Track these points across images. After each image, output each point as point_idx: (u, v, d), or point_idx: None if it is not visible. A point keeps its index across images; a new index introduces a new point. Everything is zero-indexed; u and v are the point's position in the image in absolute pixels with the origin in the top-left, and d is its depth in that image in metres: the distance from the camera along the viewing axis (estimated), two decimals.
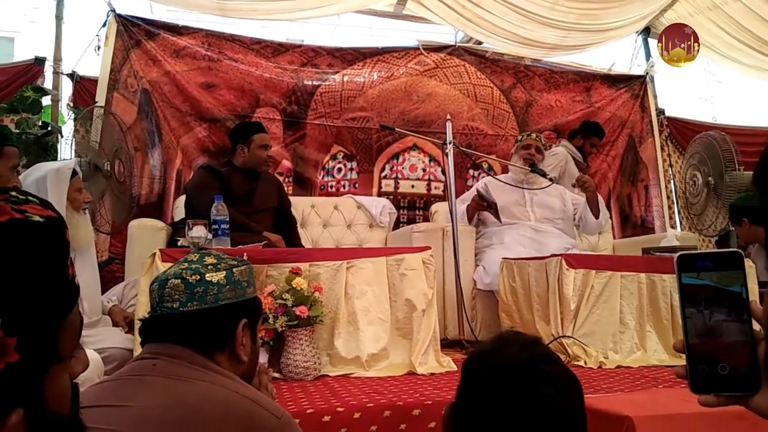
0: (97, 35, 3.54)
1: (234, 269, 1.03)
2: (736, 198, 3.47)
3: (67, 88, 3.58)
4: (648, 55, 4.59)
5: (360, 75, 4.04)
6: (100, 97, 3.39)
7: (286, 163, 3.92)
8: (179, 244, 2.35)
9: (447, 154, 2.97)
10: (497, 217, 3.16)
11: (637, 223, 4.44)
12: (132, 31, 3.64)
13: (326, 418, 1.53)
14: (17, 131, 3.00)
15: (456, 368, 2.21)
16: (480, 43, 4.35)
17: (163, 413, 0.85)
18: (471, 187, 3.78)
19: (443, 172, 4.02)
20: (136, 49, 3.64)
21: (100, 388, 0.93)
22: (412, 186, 4.08)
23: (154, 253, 2.08)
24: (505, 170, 3.77)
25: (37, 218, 0.42)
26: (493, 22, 4.02)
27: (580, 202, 3.36)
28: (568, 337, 2.35)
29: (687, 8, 4.26)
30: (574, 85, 4.42)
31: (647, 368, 2.30)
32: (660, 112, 4.57)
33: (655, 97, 4.57)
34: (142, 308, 1.98)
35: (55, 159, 3.16)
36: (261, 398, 0.94)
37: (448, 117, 3.10)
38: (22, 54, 5.77)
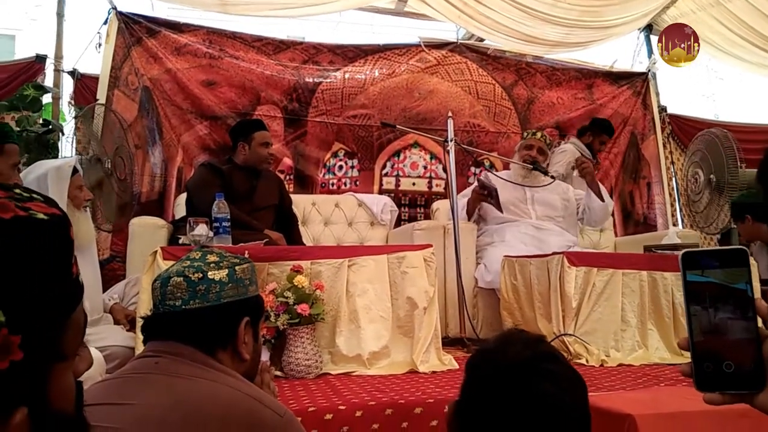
0: (98, 33, 3.54)
1: (236, 267, 1.03)
2: (739, 195, 3.46)
3: (68, 85, 3.58)
4: (650, 53, 4.57)
5: (361, 72, 4.03)
6: (101, 95, 3.39)
7: (287, 161, 3.91)
8: (180, 242, 2.35)
9: (448, 152, 2.96)
10: (498, 206, 3.12)
11: (639, 221, 4.43)
12: (133, 29, 3.63)
13: (328, 417, 1.53)
14: (18, 129, 3.00)
15: (457, 366, 2.21)
16: (482, 40, 4.34)
17: (165, 411, 0.85)
18: (472, 184, 3.78)
19: (444, 170, 4.02)
20: (137, 46, 3.64)
21: (102, 386, 0.93)
22: (414, 183, 4.08)
23: (156, 251, 2.08)
24: (506, 167, 3.76)
25: (41, 216, 0.42)
26: (494, 19, 4.01)
27: (583, 195, 3.34)
28: (570, 335, 2.35)
29: (689, 5, 4.25)
30: (576, 82, 4.41)
31: (649, 366, 2.29)
32: (662, 109, 4.56)
33: (657, 94, 4.56)
34: (143, 306, 1.98)
35: (56, 157, 3.16)
36: (263, 396, 0.94)
37: (450, 114, 3.10)
38: (23, 52, 5.76)
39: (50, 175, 2.03)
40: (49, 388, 0.42)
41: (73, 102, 3.48)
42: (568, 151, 3.81)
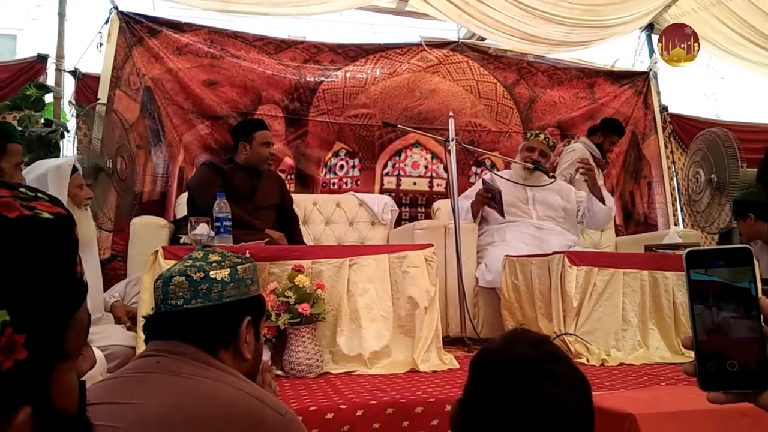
0: (100, 32, 3.54)
1: (238, 267, 1.03)
2: (742, 193, 3.46)
3: (69, 85, 3.58)
4: (651, 52, 4.57)
5: (362, 71, 4.03)
6: (103, 95, 3.39)
7: (288, 161, 3.91)
8: (182, 241, 2.35)
9: (449, 151, 2.96)
10: (501, 211, 3.12)
11: (640, 220, 4.43)
12: (134, 28, 3.64)
13: (329, 416, 1.53)
14: (20, 128, 3.01)
15: (458, 366, 2.21)
16: (483, 39, 4.34)
17: (167, 411, 0.85)
18: (473, 184, 3.78)
19: (446, 169, 4.02)
20: (138, 46, 3.64)
21: (104, 386, 0.93)
22: (414, 183, 4.08)
23: (157, 251, 2.08)
24: (507, 167, 3.76)
25: (46, 215, 0.42)
26: (496, 18, 4.01)
27: (584, 197, 3.34)
28: (571, 334, 2.35)
29: (690, 4, 4.25)
30: (578, 81, 4.41)
31: (650, 366, 2.29)
32: (663, 108, 4.56)
33: (658, 93, 4.55)
34: (145, 306, 1.98)
35: (57, 157, 3.16)
36: (265, 396, 0.95)
37: (451, 114, 3.10)
38: (24, 51, 5.77)
39: (50, 174, 2.03)
40: (52, 387, 0.42)
41: (74, 102, 3.48)
42: (577, 150, 3.80)
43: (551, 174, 3.36)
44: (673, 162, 4.54)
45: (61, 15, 3.58)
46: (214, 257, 1.04)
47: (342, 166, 4.01)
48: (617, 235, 4.10)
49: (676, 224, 4.30)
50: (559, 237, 3.15)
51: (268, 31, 4.06)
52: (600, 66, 4.51)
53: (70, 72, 3.55)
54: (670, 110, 4.61)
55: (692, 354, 0.56)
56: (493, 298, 2.93)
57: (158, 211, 3.52)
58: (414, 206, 4.05)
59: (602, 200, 3.24)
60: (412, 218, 3.93)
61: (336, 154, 4.01)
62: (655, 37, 4.47)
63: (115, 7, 3.59)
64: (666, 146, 4.52)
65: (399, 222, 3.83)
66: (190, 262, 1.02)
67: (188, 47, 3.75)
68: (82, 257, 0.45)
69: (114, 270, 3.22)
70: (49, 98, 3.43)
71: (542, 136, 3.41)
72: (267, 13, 3.95)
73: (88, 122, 3.13)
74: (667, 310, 2.52)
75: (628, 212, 4.47)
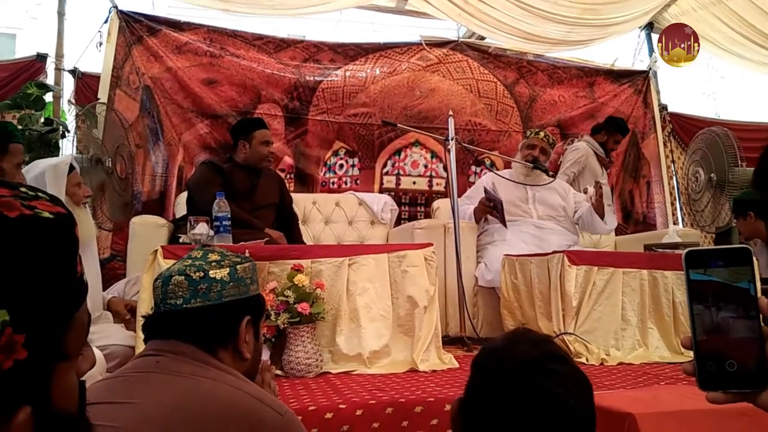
0: (99, 31, 3.54)
1: (237, 266, 1.03)
2: (741, 192, 3.46)
3: (68, 84, 3.58)
4: (651, 51, 4.57)
5: (362, 70, 4.03)
6: (102, 94, 3.39)
7: (288, 160, 3.91)
8: (181, 241, 2.35)
9: (449, 150, 2.96)
10: (503, 221, 3.10)
11: (639, 220, 4.43)
12: (134, 28, 3.63)
13: (328, 415, 1.53)
14: (20, 128, 3.00)
15: (458, 365, 2.21)
16: (483, 38, 4.34)
17: (166, 410, 0.85)
18: (473, 183, 3.78)
19: (445, 169, 4.02)
20: (138, 45, 3.64)
21: (104, 385, 0.93)
22: (414, 182, 4.08)
23: (156, 250, 2.08)
24: (507, 166, 3.76)
25: (46, 215, 0.42)
26: (495, 17, 4.01)
27: (582, 201, 3.33)
28: (570, 334, 2.35)
29: (690, 3, 4.25)
30: (578, 80, 4.41)
31: (649, 365, 2.30)
32: (663, 107, 4.56)
33: (657, 92, 4.55)
34: (144, 305, 1.98)
35: (57, 156, 3.16)
36: (264, 395, 0.95)
37: (451, 113, 3.09)
38: (23, 50, 5.76)
39: (47, 174, 2.03)
40: (52, 387, 0.42)
41: (74, 101, 3.48)
42: (581, 149, 3.80)
43: (551, 173, 3.35)
44: (673, 161, 4.54)
45: (61, 14, 3.58)
46: (213, 256, 1.04)
47: (341, 166, 4.01)
48: (617, 234, 4.10)
49: (675, 223, 4.30)
50: (559, 236, 3.15)
51: (268, 30, 4.06)
52: (600, 65, 4.51)
53: (69, 71, 3.54)
54: (670, 109, 4.61)
55: (691, 354, 0.56)
56: (492, 298, 2.93)
57: (157, 210, 3.52)
58: (413, 205, 4.05)
59: (602, 217, 3.19)
60: (412, 217, 3.93)
61: (335, 153, 4.01)
62: (654, 36, 4.47)
63: (115, 6, 3.59)
64: (665, 145, 4.52)
65: (398, 221, 3.83)
66: (190, 261, 1.02)
67: (187, 46, 3.75)
68: (82, 256, 0.45)
69: (113, 269, 3.22)
70: (48, 97, 3.43)
71: (542, 134, 3.41)
72: (267, 13, 3.95)
73: (89, 121, 3.13)
74: (666, 309, 2.52)
75: (627, 211, 4.47)
